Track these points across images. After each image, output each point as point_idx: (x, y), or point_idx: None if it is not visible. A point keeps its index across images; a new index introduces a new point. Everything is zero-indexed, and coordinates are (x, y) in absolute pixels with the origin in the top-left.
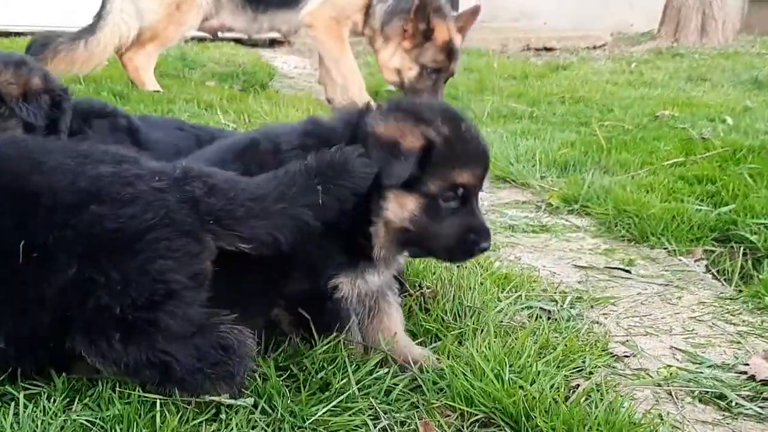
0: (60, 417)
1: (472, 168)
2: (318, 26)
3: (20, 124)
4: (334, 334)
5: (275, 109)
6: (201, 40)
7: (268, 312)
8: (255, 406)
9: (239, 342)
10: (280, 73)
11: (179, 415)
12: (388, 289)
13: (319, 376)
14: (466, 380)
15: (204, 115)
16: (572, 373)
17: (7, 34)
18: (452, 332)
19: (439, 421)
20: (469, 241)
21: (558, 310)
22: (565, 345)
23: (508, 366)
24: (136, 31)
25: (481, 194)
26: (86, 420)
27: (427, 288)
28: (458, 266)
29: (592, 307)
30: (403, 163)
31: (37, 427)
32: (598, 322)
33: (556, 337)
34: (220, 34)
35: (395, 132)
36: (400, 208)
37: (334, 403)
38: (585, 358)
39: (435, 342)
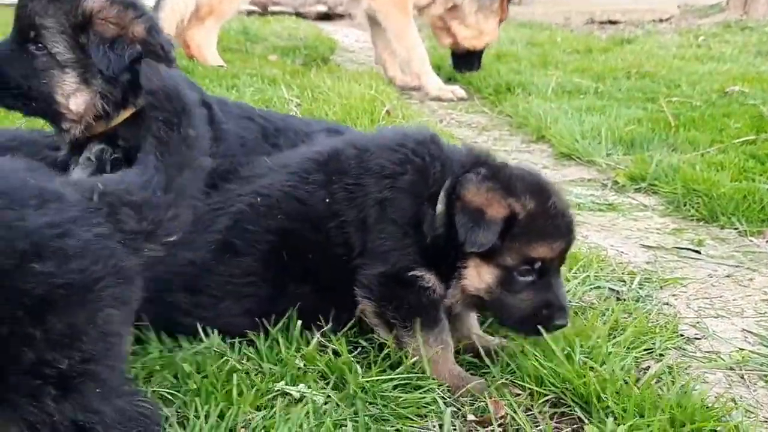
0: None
1: (552, 243)
2: None
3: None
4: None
5: (338, 84)
6: (262, 14)
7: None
8: (326, 381)
9: (153, 409)
10: (340, 47)
11: (254, 389)
12: None
13: (387, 352)
14: (536, 360)
15: (268, 90)
16: (642, 354)
17: None
18: None
19: (509, 400)
20: (543, 317)
21: (627, 291)
22: (635, 326)
23: (578, 347)
24: (193, 8)
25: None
26: (167, 392)
27: None
28: None
29: (661, 287)
30: (486, 232)
31: None
32: (667, 304)
33: (625, 317)
34: (270, 8)
35: (482, 200)
36: (477, 277)
37: (405, 380)
38: (655, 340)
39: (498, 326)
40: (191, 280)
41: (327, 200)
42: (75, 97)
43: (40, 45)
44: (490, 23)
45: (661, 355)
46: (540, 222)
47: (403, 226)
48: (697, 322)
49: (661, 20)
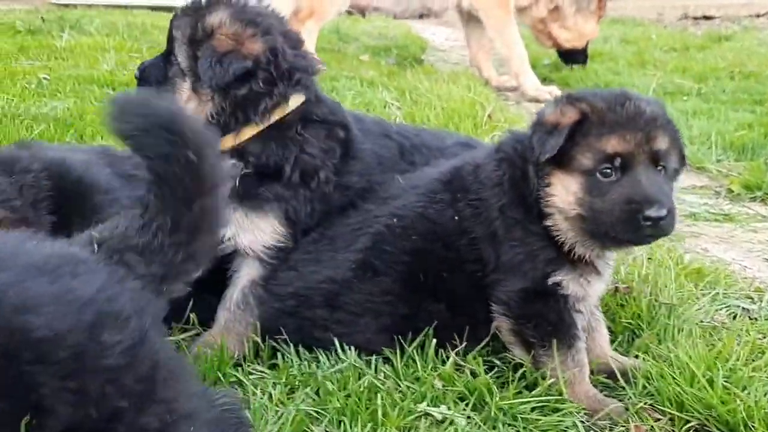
0: (287, 405)
1: (624, 134)
2: None
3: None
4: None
5: (436, 86)
6: (350, 12)
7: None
8: (466, 402)
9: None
10: (431, 46)
11: (397, 408)
12: (596, 308)
13: (522, 371)
14: (676, 384)
15: (367, 93)
16: None
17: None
18: (650, 329)
19: (652, 425)
20: (632, 212)
21: (758, 309)
22: None
23: (719, 371)
24: (293, 9)
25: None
26: (312, 410)
27: (622, 284)
28: (645, 252)
29: None
30: (556, 137)
31: (266, 411)
32: None
33: (760, 338)
34: (368, 13)
35: (556, 114)
36: (564, 190)
37: (542, 402)
38: None
39: (631, 339)
40: (331, 296)
41: (455, 218)
42: (188, 105)
43: (173, 55)
44: (590, 24)
45: None
46: (609, 116)
47: (523, 222)
48: None
49: (758, 15)
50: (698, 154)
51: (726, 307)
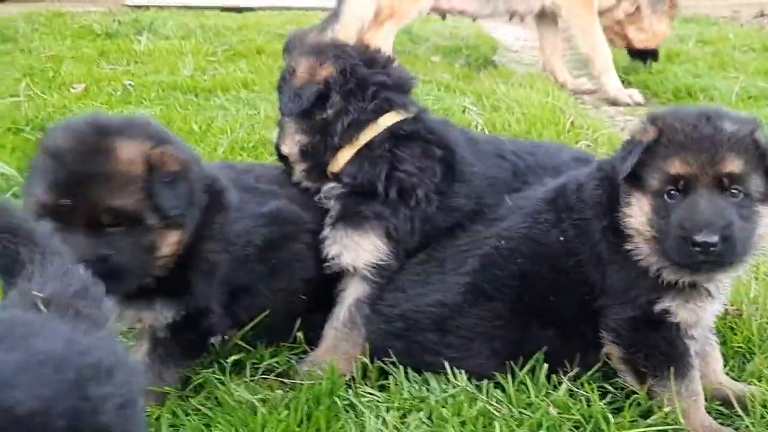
0: (401, 431)
1: (688, 155)
2: None
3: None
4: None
5: (513, 91)
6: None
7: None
8: (581, 430)
9: None
10: (502, 47)
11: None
12: (710, 331)
13: (634, 400)
14: None
15: (445, 98)
16: None
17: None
18: (762, 353)
19: None
20: (682, 236)
21: None
22: None
23: None
24: (374, 11)
25: None
26: None
27: (731, 306)
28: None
29: None
30: (632, 156)
31: None
32: None
33: None
34: (450, 16)
35: (638, 132)
36: (639, 211)
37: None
38: None
39: (743, 364)
40: (441, 320)
41: (560, 239)
42: (282, 141)
43: None
44: (663, 24)
45: None
46: (679, 136)
47: (621, 245)
48: None
49: None
50: None
51: None
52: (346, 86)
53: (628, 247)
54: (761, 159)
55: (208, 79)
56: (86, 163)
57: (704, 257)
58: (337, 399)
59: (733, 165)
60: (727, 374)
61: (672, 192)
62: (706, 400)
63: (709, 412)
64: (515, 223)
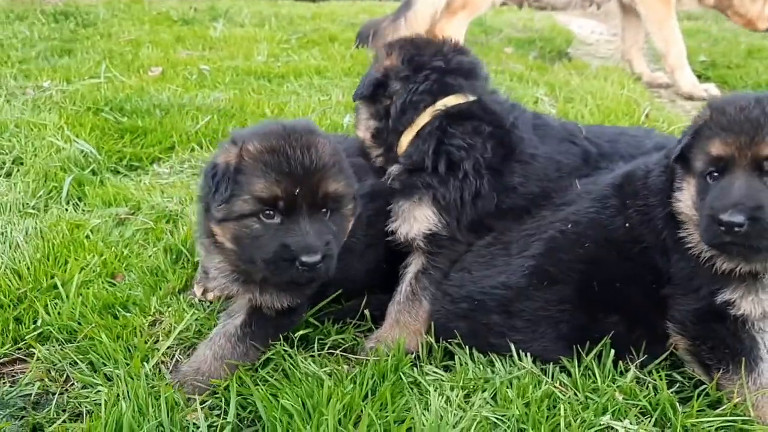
0: (467, 412)
1: (728, 137)
2: None
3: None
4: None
5: (586, 82)
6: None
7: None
8: (647, 416)
9: None
10: (577, 39)
11: (578, 419)
12: None
13: (703, 390)
14: None
15: (517, 88)
16: None
17: None
18: None
19: None
20: (710, 217)
21: None
22: None
23: None
24: (446, 0)
25: None
26: (492, 415)
27: None
28: None
29: None
30: (684, 138)
31: (444, 415)
32: None
33: None
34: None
35: (696, 117)
36: (687, 193)
37: (728, 422)
38: None
39: None
40: (506, 302)
41: (626, 225)
42: (357, 126)
43: None
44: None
45: None
46: (724, 119)
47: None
48: None
49: None
50: None
51: None
52: (402, 73)
53: (682, 234)
54: None
55: (282, 65)
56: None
57: (730, 238)
58: (402, 375)
59: None
60: None
61: (713, 173)
62: None
63: None
64: (582, 207)
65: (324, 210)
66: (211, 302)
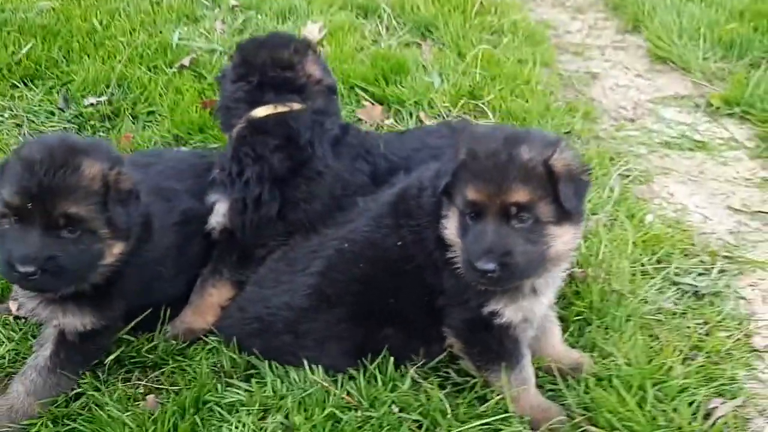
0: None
1: (479, 186)
2: None
3: None
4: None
5: None
6: None
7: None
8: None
9: None
10: None
11: None
12: (550, 308)
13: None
14: (611, 395)
15: None
16: (711, 390)
17: None
18: (600, 320)
19: None
20: (467, 260)
21: (706, 286)
22: (707, 355)
23: (651, 387)
24: None
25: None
26: None
27: (579, 269)
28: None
29: (741, 273)
30: (443, 176)
31: None
32: (744, 298)
33: (700, 326)
34: None
35: (457, 150)
36: (452, 224)
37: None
38: (726, 366)
39: (582, 329)
40: (292, 323)
41: (399, 244)
42: None
43: None
44: None
45: (733, 395)
46: (474, 165)
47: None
48: None
49: None
50: (685, 52)
51: (676, 286)
52: (234, 74)
53: (450, 255)
54: (554, 185)
55: None
56: (54, 175)
57: (485, 281)
58: (201, 406)
59: (520, 195)
60: (567, 340)
61: (471, 214)
62: (544, 374)
63: (542, 386)
64: (360, 226)
65: (64, 228)
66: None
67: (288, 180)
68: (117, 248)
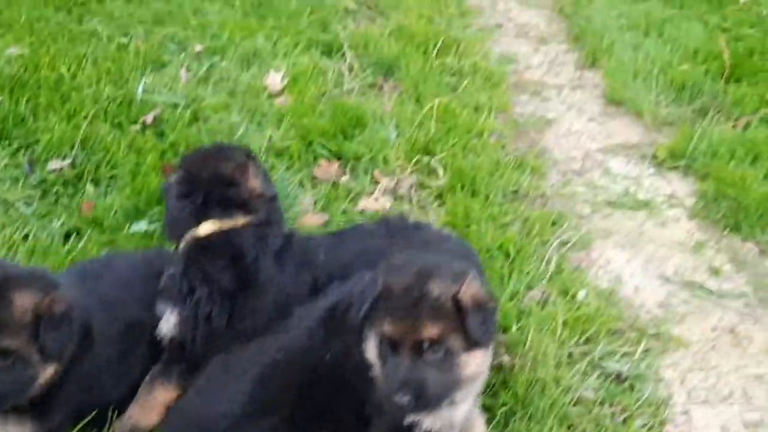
0: None
1: (394, 321)
2: None
3: None
4: None
5: None
6: None
7: None
8: None
9: None
10: None
11: None
12: (474, 401)
13: None
14: None
15: None
16: None
17: None
18: (524, 411)
19: None
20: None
21: (628, 369)
22: None
23: None
24: None
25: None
26: None
27: (507, 357)
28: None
29: (664, 351)
30: (363, 306)
31: None
32: (663, 380)
33: (617, 416)
34: None
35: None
36: (372, 347)
37: None
38: None
39: (507, 422)
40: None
41: (328, 356)
42: None
43: None
44: None
45: None
46: (389, 300)
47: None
48: (686, 411)
49: None
50: (639, 95)
51: (600, 370)
52: (178, 188)
53: (374, 372)
54: (462, 318)
55: None
56: None
57: (402, 411)
58: None
59: (431, 331)
60: None
61: (388, 345)
62: None
63: None
64: (295, 335)
65: None
66: None
67: (236, 294)
68: (50, 369)
